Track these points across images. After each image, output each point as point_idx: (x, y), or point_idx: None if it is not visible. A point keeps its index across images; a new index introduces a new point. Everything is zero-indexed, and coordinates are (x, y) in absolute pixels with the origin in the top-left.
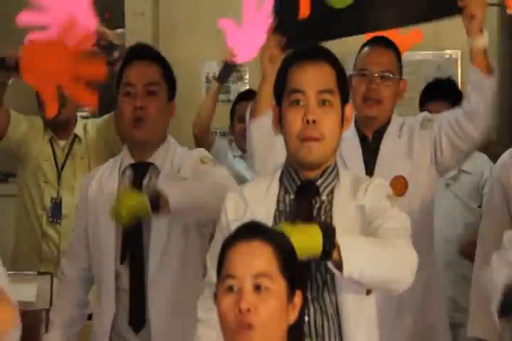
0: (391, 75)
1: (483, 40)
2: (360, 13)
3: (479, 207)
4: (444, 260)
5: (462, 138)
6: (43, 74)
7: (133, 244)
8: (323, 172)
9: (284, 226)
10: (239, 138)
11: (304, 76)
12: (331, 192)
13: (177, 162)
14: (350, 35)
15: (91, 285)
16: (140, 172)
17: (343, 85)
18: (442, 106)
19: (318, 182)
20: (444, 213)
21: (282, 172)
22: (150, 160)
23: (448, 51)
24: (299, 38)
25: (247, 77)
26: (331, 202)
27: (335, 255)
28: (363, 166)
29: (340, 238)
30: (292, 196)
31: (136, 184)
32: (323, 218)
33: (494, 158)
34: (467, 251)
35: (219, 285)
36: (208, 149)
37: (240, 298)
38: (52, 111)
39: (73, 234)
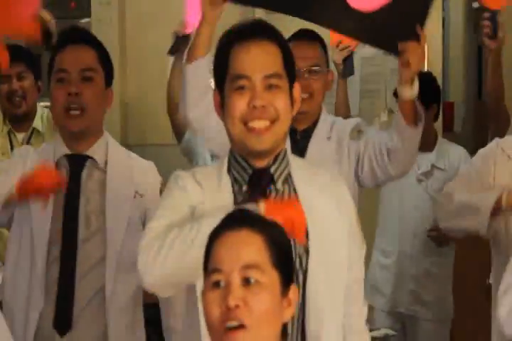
0: (319, 68)
1: (411, 93)
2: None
3: None
4: (409, 254)
5: (381, 169)
6: None
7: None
8: (276, 158)
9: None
10: None
11: (248, 59)
12: (286, 179)
13: (128, 169)
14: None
15: None
16: (77, 164)
17: (290, 65)
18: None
19: (272, 170)
20: (413, 207)
21: (229, 163)
22: (88, 153)
23: None
24: None
25: None
26: (290, 191)
27: None
28: None
29: None
30: (245, 187)
31: (74, 176)
32: None
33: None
34: (434, 232)
35: (205, 281)
36: (182, 132)
37: (227, 293)
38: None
39: None
